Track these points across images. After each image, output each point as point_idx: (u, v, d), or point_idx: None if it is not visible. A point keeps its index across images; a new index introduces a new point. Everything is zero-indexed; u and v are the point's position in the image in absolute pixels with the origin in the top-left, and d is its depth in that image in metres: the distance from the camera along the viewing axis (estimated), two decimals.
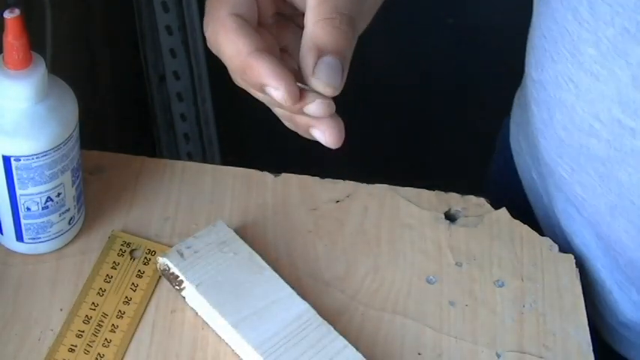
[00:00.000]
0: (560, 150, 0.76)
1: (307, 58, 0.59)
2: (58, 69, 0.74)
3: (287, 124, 0.64)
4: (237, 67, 0.60)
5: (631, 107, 0.67)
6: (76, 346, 0.70)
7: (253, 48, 0.60)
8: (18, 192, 0.70)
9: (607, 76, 0.68)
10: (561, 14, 0.71)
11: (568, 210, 0.80)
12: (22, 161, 0.69)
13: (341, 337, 0.70)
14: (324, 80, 0.59)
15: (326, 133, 0.61)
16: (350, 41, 0.60)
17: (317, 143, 0.63)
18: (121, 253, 0.75)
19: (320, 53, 0.59)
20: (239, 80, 0.63)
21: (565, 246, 0.81)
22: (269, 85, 0.59)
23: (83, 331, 0.71)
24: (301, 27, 0.61)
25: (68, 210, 0.73)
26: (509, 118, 0.92)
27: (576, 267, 0.78)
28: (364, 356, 0.69)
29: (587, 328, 0.74)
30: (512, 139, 0.90)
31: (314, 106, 0.60)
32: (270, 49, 0.61)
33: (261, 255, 0.74)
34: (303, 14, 0.61)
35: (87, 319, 0.71)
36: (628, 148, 0.69)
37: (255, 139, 1.62)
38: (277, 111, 0.64)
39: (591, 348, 0.73)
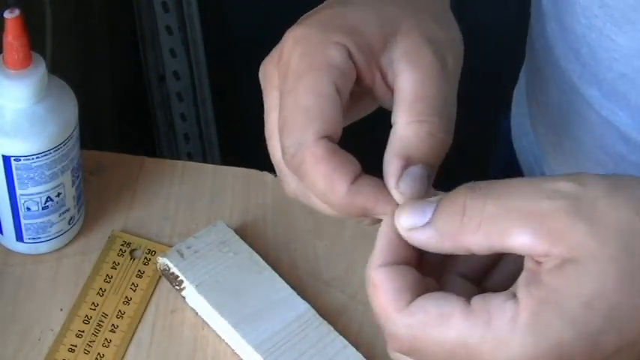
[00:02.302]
0: (569, 170, 0.77)
1: (392, 165, 0.54)
2: (58, 69, 0.74)
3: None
4: (334, 203, 0.54)
5: (631, 145, 0.71)
6: (76, 346, 0.70)
7: (348, 182, 0.54)
8: (18, 192, 0.70)
9: (609, 116, 0.71)
10: (562, 52, 0.72)
11: None
12: (22, 161, 0.69)
13: (341, 337, 0.70)
14: (408, 195, 0.54)
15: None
16: (445, 150, 0.55)
17: None
18: (121, 253, 0.75)
19: (407, 162, 0.54)
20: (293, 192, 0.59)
21: None
22: (376, 212, 0.55)
23: (83, 331, 0.71)
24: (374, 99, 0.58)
25: (68, 210, 0.73)
26: (509, 120, 0.91)
27: None
28: (364, 356, 0.69)
29: None
30: (515, 138, 0.90)
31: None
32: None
33: (261, 255, 0.74)
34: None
35: (87, 319, 0.71)
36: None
37: (255, 139, 1.62)
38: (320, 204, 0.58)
39: None
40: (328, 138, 0.54)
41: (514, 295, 0.49)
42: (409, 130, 0.54)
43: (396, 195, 0.54)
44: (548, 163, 0.81)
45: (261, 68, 0.59)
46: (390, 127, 0.56)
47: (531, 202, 0.50)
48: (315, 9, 0.59)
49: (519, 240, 0.49)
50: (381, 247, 0.53)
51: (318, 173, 0.54)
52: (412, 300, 0.51)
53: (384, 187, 0.54)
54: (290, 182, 0.58)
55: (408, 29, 0.56)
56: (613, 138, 0.71)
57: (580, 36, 0.69)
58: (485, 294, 0.50)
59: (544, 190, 0.50)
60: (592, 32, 0.68)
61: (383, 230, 0.54)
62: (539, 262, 0.49)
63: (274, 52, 0.58)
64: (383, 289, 0.52)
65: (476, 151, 1.10)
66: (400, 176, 0.54)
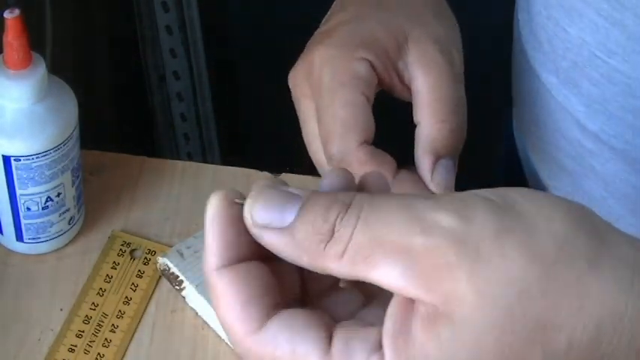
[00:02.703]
0: (538, 155, 0.79)
1: (425, 161, 0.62)
2: (58, 69, 0.74)
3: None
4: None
5: (585, 132, 0.71)
6: (76, 346, 0.70)
7: (392, 176, 0.62)
8: (18, 192, 0.70)
9: (565, 102, 0.72)
10: (527, 40, 0.75)
11: None
12: (22, 161, 0.69)
13: None
14: (443, 185, 0.62)
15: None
16: (463, 139, 0.63)
17: None
18: (121, 253, 0.75)
19: (437, 157, 0.62)
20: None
21: None
22: None
23: (83, 331, 0.71)
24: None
25: (68, 210, 0.73)
26: (510, 120, 0.92)
27: None
28: None
29: None
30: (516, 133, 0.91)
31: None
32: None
33: None
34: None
35: (87, 319, 0.71)
36: (588, 166, 0.73)
37: (255, 139, 1.62)
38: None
39: None
40: (366, 142, 0.62)
41: (380, 347, 0.43)
42: (434, 130, 0.62)
43: (433, 186, 0.61)
44: (527, 148, 0.83)
45: (290, 78, 0.66)
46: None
47: (405, 234, 0.42)
48: (331, 22, 0.66)
49: (387, 276, 0.42)
50: (220, 238, 0.45)
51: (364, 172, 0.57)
52: (265, 317, 0.44)
53: (419, 177, 0.62)
54: None
55: (418, 36, 0.64)
56: (569, 124, 0.73)
57: (540, 25, 0.72)
58: (350, 336, 0.43)
59: (422, 222, 0.42)
60: (550, 22, 0.71)
61: (218, 214, 0.46)
62: (411, 301, 0.43)
63: (301, 65, 0.65)
64: (228, 303, 0.44)
65: (477, 151, 1.10)
66: (433, 170, 0.62)
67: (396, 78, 0.65)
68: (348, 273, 0.43)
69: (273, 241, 0.44)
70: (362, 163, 0.61)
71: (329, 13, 0.69)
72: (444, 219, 0.42)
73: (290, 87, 0.66)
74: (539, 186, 0.83)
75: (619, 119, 0.69)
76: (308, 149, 0.67)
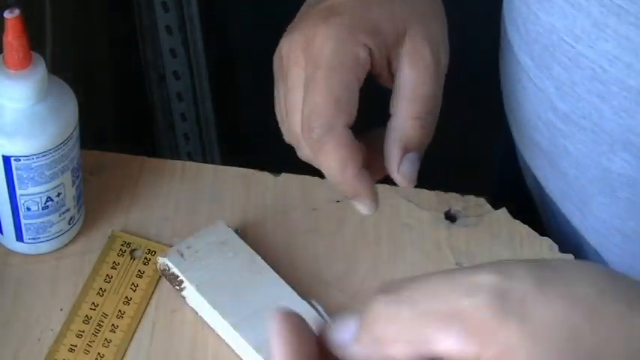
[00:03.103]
0: (520, 138, 0.81)
1: (394, 152, 0.66)
2: (58, 69, 0.74)
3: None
4: (337, 180, 0.65)
5: (558, 114, 0.73)
6: (76, 346, 0.70)
7: (358, 168, 0.65)
8: (18, 192, 0.70)
9: (540, 84, 0.74)
10: (509, 22, 0.77)
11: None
12: (22, 161, 0.69)
13: None
14: (408, 177, 0.66)
15: (362, 208, 0.67)
16: (431, 136, 0.67)
17: None
18: (121, 253, 0.75)
19: (405, 150, 0.66)
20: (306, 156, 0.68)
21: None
22: (360, 200, 0.66)
23: (83, 331, 0.71)
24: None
25: (68, 210, 0.73)
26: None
27: None
28: None
29: None
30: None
31: (362, 207, 0.67)
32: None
33: (261, 255, 0.74)
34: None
35: (87, 319, 0.71)
36: (561, 146, 0.75)
37: (255, 139, 1.62)
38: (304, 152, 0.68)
39: None
40: (349, 125, 0.65)
41: None
42: (407, 125, 0.66)
43: (397, 177, 0.66)
44: (512, 131, 0.85)
45: (283, 45, 0.67)
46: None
47: (449, 301, 0.45)
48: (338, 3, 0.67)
49: (445, 344, 0.45)
50: (284, 351, 0.51)
51: (338, 156, 0.64)
52: None
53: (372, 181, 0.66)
54: (304, 149, 0.67)
55: (415, 32, 0.67)
56: (544, 105, 0.75)
57: (517, 8, 0.74)
58: None
59: (462, 286, 0.45)
60: (523, 5, 0.73)
61: (279, 332, 0.52)
62: None
63: (300, 37, 0.66)
64: None
65: (477, 151, 1.10)
66: (400, 161, 0.66)
67: (386, 68, 0.67)
68: (411, 353, 0.46)
69: (349, 353, 0.49)
70: (340, 145, 0.64)
71: None
72: (486, 278, 0.45)
73: (281, 54, 0.67)
74: (525, 169, 0.85)
75: (587, 102, 0.71)
76: (284, 118, 0.68)
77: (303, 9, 0.70)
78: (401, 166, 0.66)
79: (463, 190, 0.82)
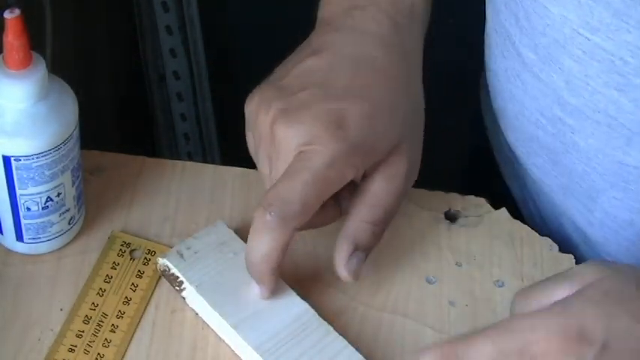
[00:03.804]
0: (515, 135, 0.81)
1: (343, 248, 0.70)
2: (58, 69, 0.74)
3: None
4: (252, 259, 0.68)
5: (567, 108, 0.72)
6: (76, 346, 0.70)
7: (276, 265, 0.68)
8: (18, 192, 0.70)
9: (546, 79, 0.73)
10: (505, 16, 0.76)
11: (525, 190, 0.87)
12: (22, 161, 0.69)
13: (341, 338, 0.70)
14: (352, 273, 0.70)
15: (256, 290, 0.70)
16: (379, 240, 0.71)
17: None
18: (121, 254, 0.75)
19: (355, 249, 0.70)
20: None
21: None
22: (259, 286, 0.70)
23: (83, 331, 0.71)
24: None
25: (68, 210, 0.73)
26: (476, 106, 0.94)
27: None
28: (364, 357, 0.69)
29: None
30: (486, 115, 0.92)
31: (256, 290, 0.70)
32: None
33: None
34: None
35: (87, 319, 0.71)
36: (569, 142, 0.74)
37: None
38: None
39: None
40: (304, 160, 0.67)
41: None
42: (361, 227, 0.70)
43: (342, 271, 0.70)
44: (505, 128, 0.84)
45: (292, 135, 0.68)
46: None
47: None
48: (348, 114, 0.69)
49: None
50: None
51: (271, 246, 0.67)
52: None
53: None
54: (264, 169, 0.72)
55: (401, 150, 0.70)
56: (549, 101, 0.74)
57: (518, 2, 0.73)
58: None
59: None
60: None
61: None
62: None
63: (299, 129, 0.68)
64: None
65: (477, 151, 1.10)
66: (348, 258, 0.69)
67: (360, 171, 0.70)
68: None
69: None
70: (280, 242, 0.67)
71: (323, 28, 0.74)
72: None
73: (289, 138, 0.69)
74: (517, 165, 0.84)
75: (602, 95, 0.70)
76: (259, 166, 0.73)
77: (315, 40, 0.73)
78: (348, 263, 0.70)
79: (463, 190, 0.82)
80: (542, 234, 0.79)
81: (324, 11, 0.76)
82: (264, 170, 0.71)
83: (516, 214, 0.81)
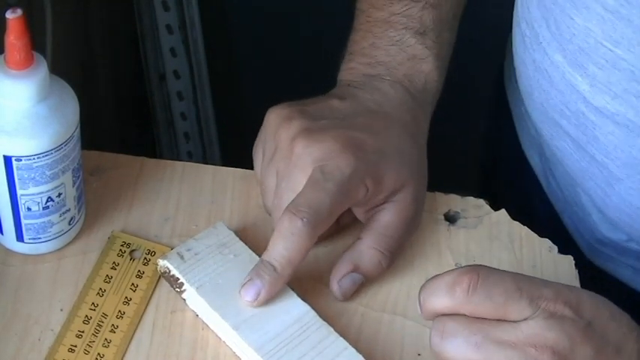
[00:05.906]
0: (540, 117, 0.84)
1: (343, 265, 0.74)
2: (58, 69, 0.74)
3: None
4: (278, 251, 0.70)
5: (590, 107, 0.76)
6: (76, 346, 0.70)
7: (295, 266, 0.70)
8: (19, 192, 0.71)
9: (571, 79, 0.76)
10: (535, 18, 0.79)
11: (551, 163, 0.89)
12: (23, 161, 0.69)
13: (341, 339, 0.70)
14: (344, 291, 0.73)
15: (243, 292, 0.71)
16: (381, 271, 0.74)
17: None
18: (121, 254, 0.75)
19: (354, 269, 0.73)
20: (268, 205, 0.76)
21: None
22: (263, 290, 0.71)
23: (83, 331, 0.71)
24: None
25: (69, 210, 0.73)
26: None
27: (575, 268, 0.78)
28: (364, 357, 0.69)
29: None
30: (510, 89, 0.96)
31: (250, 300, 0.71)
32: None
33: (261, 256, 0.74)
34: None
35: (87, 319, 0.71)
36: (591, 135, 0.77)
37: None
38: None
39: None
40: (324, 172, 0.71)
41: None
42: (368, 252, 0.74)
43: (335, 286, 0.73)
44: (525, 108, 0.88)
45: (311, 151, 0.72)
46: None
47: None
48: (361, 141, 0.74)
49: None
50: None
51: (300, 246, 0.70)
52: None
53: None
54: (269, 198, 0.75)
55: (409, 191, 0.75)
56: (574, 98, 0.77)
57: (549, 9, 0.77)
58: None
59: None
60: (556, 8, 0.76)
61: None
62: None
63: (323, 149, 0.72)
64: None
65: (477, 152, 1.10)
66: (344, 275, 0.73)
67: (365, 208, 0.75)
68: None
69: None
70: (306, 243, 0.70)
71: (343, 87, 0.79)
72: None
73: (306, 159, 0.72)
74: (540, 140, 0.87)
75: (622, 99, 0.73)
76: (262, 183, 0.76)
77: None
78: (343, 279, 0.73)
79: (463, 192, 0.82)
80: (557, 200, 0.80)
81: (345, 74, 0.81)
82: (270, 183, 0.74)
83: (516, 214, 0.81)
